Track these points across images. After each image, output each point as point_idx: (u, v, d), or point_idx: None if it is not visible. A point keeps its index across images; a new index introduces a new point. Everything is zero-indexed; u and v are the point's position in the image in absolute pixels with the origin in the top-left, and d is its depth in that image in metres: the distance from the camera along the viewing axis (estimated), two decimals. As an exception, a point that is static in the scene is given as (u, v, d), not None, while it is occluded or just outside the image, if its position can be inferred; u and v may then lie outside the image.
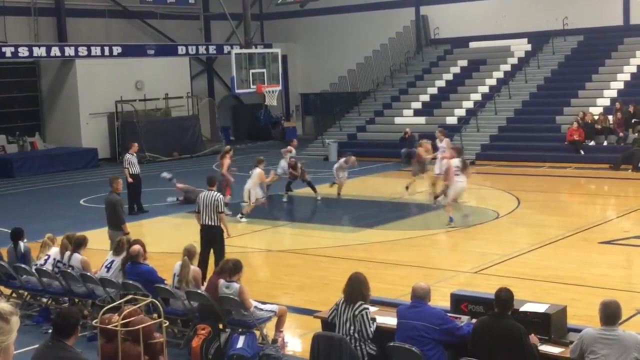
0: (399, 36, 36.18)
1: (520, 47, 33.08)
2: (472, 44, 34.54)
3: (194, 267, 9.93)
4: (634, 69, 29.14)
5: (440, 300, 8.86)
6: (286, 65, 36.48)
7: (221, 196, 13.01)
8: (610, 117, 26.29)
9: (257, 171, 18.39)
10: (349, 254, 14.45)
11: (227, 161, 19.05)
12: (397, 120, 31.58)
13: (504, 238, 15.99)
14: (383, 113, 32.94)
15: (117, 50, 32.51)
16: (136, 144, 20.67)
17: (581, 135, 25.89)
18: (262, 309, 9.41)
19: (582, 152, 25.67)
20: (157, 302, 8.74)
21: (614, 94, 28.12)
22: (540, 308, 7.54)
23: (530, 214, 17.80)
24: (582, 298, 10.74)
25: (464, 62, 33.78)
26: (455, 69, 33.67)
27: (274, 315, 9.45)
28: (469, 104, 30.97)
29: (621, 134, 25.59)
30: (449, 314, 7.73)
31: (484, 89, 31.55)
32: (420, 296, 7.58)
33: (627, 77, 28.86)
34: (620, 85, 28.55)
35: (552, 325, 7.36)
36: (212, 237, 12.66)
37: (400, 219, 18.23)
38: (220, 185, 20.22)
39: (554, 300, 8.60)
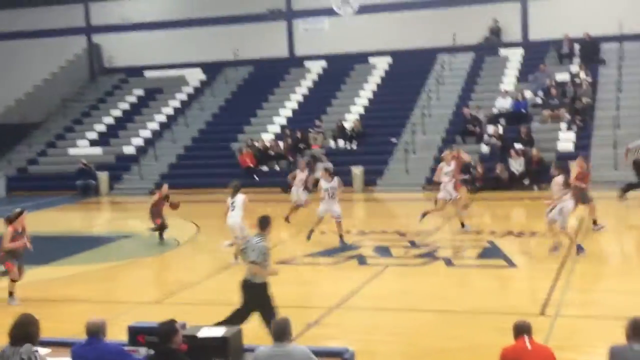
0: (70, 64, 35.07)
1: (195, 76, 33.79)
2: (147, 73, 34.54)
3: None
4: (299, 98, 31.21)
5: (120, 335, 8.60)
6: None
7: (264, 245, 9.69)
8: (281, 143, 27.81)
9: (242, 198, 14.81)
10: (21, 295, 13.49)
11: None
12: (72, 151, 30.45)
13: (185, 266, 16.07)
14: (56, 144, 31.56)
15: None
16: None
17: (253, 161, 27.08)
18: None
19: (256, 177, 26.79)
20: None
21: (283, 121, 29.83)
22: (218, 332, 7.65)
23: (210, 241, 18.09)
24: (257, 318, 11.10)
25: (140, 91, 33.65)
26: (132, 98, 33.42)
27: None
28: (146, 133, 30.86)
29: (292, 159, 27.16)
30: (126, 347, 7.54)
31: (161, 118, 31.70)
32: (93, 332, 7.30)
33: (295, 105, 30.81)
34: (289, 113, 30.37)
35: (230, 348, 7.50)
36: (250, 295, 9.64)
37: (80, 252, 17.49)
38: None
39: (233, 322, 8.77)
